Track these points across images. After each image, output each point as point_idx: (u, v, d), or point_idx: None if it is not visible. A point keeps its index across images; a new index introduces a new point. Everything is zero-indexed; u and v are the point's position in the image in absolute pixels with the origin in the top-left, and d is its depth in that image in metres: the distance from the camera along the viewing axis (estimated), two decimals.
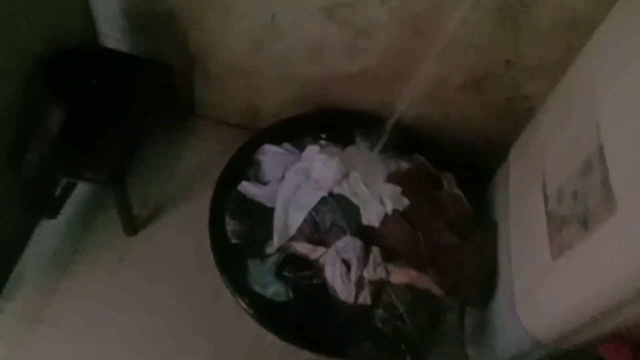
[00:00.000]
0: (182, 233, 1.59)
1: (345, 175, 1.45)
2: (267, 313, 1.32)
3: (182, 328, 1.47)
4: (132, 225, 1.57)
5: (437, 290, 1.33)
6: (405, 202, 1.41)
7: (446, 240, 1.38)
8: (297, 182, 1.44)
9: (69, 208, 1.60)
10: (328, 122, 1.63)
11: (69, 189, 1.60)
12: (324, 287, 1.35)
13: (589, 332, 1.07)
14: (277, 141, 1.57)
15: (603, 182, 0.96)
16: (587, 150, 1.03)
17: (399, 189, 1.43)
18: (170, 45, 1.60)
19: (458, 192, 1.51)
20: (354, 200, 1.41)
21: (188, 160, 1.75)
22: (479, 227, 1.43)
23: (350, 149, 1.55)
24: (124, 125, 1.42)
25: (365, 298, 1.32)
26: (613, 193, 0.92)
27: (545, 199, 1.17)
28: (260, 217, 1.41)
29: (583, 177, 1.03)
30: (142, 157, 1.71)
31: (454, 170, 1.60)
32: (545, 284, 1.11)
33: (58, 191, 1.59)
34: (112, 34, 1.61)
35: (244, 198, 1.44)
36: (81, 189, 1.63)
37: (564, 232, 1.06)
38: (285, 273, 1.34)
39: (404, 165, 1.54)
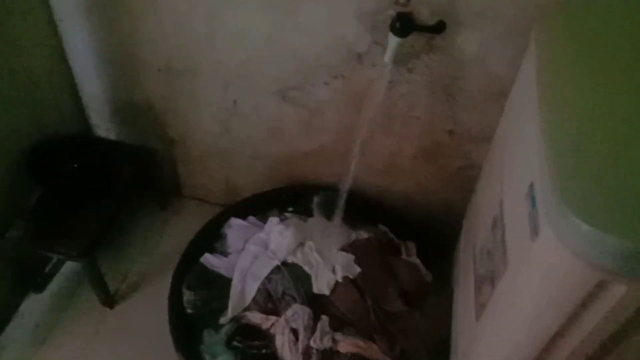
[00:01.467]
0: (157, 308, 1.64)
1: (301, 244, 1.50)
2: None
3: None
4: (108, 299, 1.65)
5: None
6: (357, 270, 1.43)
7: (396, 308, 1.37)
8: (255, 253, 1.50)
9: (55, 283, 1.72)
10: (295, 196, 1.70)
11: (58, 266, 1.73)
12: (274, 357, 1.35)
13: None
14: (245, 215, 1.65)
15: (502, 237, 0.96)
16: (495, 208, 1.05)
17: (352, 257, 1.46)
18: (151, 131, 1.76)
19: (415, 260, 1.51)
20: (307, 269, 1.45)
21: (171, 238, 1.85)
22: (434, 295, 1.41)
23: (312, 220, 1.60)
24: (102, 205, 1.56)
25: None
26: (507, 247, 0.93)
27: (474, 260, 1.17)
28: (219, 287, 1.47)
29: (492, 234, 1.04)
30: (126, 236, 1.85)
31: (420, 239, 1.61)
32: (473, 348, 1.08)
33: (49, 268, 1.72)
34: (102, 123, 1.80)
35: (205, 269, 1.51)
36: (69, 266, 1.75)
37: (482, 292, 1.06)
38: (235, 343, 1.36)
39: (364, 235, 1.57)
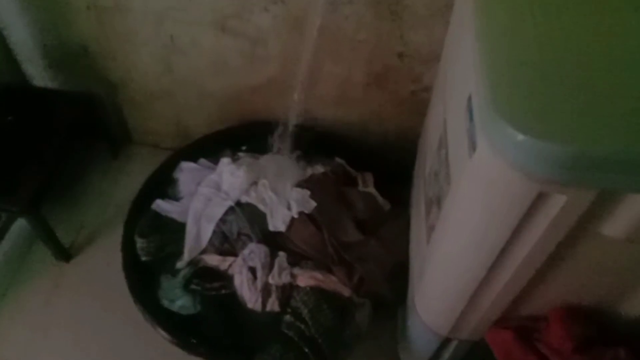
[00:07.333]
0: (115, 258, 1.59)
1: (255, 183, 1.46)
2: (174, 327, 1.31)
3: (115, 353, 1.48)
4: (63, 253, 1.61)
5: (344, 290, 1.30)
6: (312, 204, 1.39)
7: (352, 238, 1.35)
8: (208, 195, 1.45)
9: (8, 242, 1.66)
10: (247, 135, 1.64)
11: (8, 224, 1.67)
12: (234, 297, 1.34)
13: (474, 318, 1.03)
14: (196, 158, 1.59)
15: (445, 156, 0.93)
16: (440, 128, 1.01)
17: (307, 192, 1.42)
18: (90, 77, 1.66)
19: (372, 190, 1.48)
20: (261, 207, 1.41)
21: (124, 186, 1.79)
22: (391, 222, 1.40)
23: (265, 158, 1.55)
24: (41, 156, 1.48)
25: (272, 304, 1.30)
26: (450, 166, 0.90)
27: (424, 183, 1.14)
28: (172, 232, 1.43)
29: (438, 154, 1.01)
30: (78, 188, 1.78)
31: (379, 169, 1.58)
32: (426, 271, 1.07)
33: None
34: (37, 72, 1.69)
35: (157, 215, 1.46)
36: (20, 223, 1.69)
37: (431, 215, 1.04)
38: (193, 286, 1.33)
39: (320, 169, 1.53)
